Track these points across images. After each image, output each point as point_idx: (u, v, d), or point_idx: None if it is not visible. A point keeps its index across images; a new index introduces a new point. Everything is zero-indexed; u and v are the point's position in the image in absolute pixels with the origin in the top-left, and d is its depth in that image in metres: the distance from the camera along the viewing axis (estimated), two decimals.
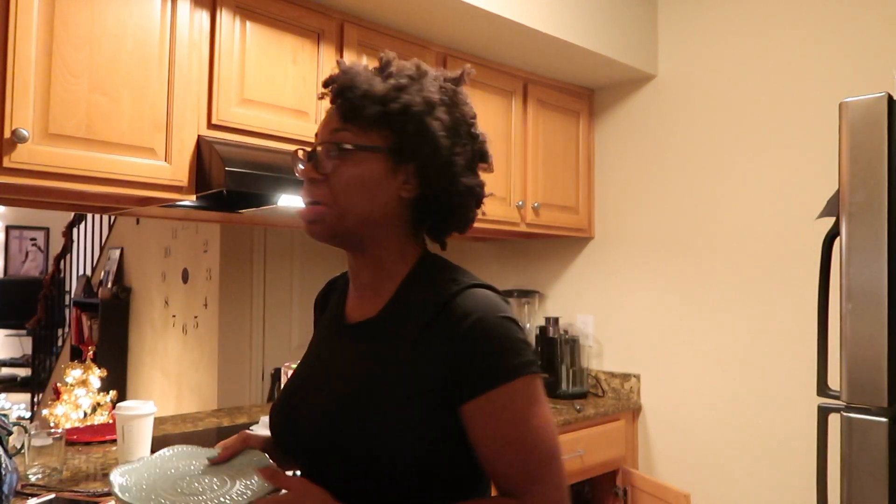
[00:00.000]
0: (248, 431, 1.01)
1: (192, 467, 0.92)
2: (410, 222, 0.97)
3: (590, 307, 2.90)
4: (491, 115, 2.54)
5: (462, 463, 0.90)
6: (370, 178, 0.92)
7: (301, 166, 0.95)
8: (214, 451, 0.96)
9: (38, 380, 6.32)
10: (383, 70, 0.96)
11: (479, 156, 0.99)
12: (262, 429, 1.98)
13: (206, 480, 0.89)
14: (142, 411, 1.69)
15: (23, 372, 6.99)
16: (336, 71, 0.97)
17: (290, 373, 1.98)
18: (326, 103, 0.98)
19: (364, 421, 0.87)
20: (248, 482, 0.87)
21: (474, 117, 0.99)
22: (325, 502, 0.84)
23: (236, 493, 0.85)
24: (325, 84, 0.97)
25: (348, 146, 0.92)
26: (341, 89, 0.94)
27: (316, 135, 0.98)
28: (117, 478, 0.87)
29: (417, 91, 0.93)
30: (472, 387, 0.85)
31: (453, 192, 0.95)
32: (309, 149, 0.95)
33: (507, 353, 0.86)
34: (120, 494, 0.82)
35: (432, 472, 0.88)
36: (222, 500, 0.83)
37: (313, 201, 0.93)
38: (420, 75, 0.96)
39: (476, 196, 0.98)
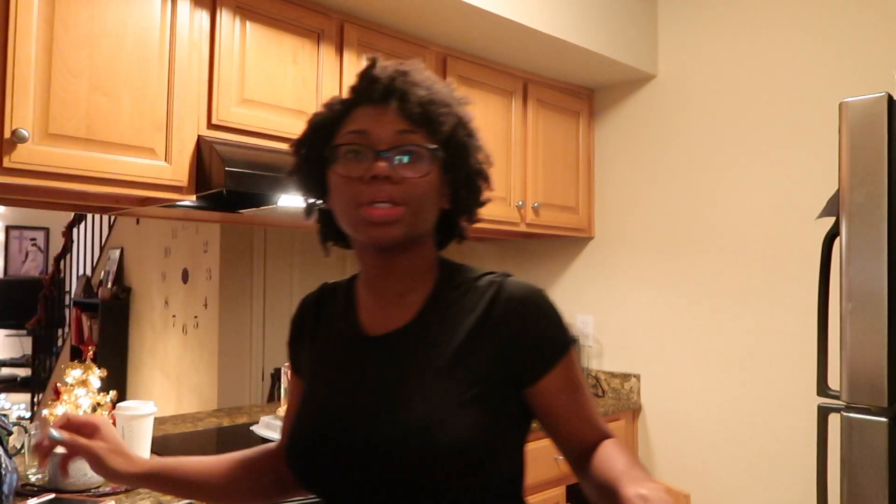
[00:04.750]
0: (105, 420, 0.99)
1: None
2: (435, 233, 0.96)
3: (590, 307, 2.90)
4: (491, 115, 2.54)
5: (517, 452, 0.93)
6: (436, 185, 0.90)
7: (362, 162, 0.87)
8: None
9: (38, 380, 6.32)
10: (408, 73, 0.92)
11: (485, 173, 0.98)
12: (262, 429, 1.98)
13: None
14: (142, 411, 1.69)
15: (23, 372, 6.99)
16: (377, 67, 0.91)
17: (290, 373, 1.98)
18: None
19: (431, 427, 0.83)
20: None
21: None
22: None
23: None
24: (370, 79, 0.91)
25: (437, 151, 0.89)
26: (406, 91, 0.89)
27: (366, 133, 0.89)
28: None
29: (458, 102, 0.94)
30: (546, 362, 0.89)
31: (475, 206, 0.97)
32: (383, 146, 0.87)
33: (563, 327, 0.92)
34: None
35: (497, 463, 0.88)
36: None
37: (393, 202, 0.86)
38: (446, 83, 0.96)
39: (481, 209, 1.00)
